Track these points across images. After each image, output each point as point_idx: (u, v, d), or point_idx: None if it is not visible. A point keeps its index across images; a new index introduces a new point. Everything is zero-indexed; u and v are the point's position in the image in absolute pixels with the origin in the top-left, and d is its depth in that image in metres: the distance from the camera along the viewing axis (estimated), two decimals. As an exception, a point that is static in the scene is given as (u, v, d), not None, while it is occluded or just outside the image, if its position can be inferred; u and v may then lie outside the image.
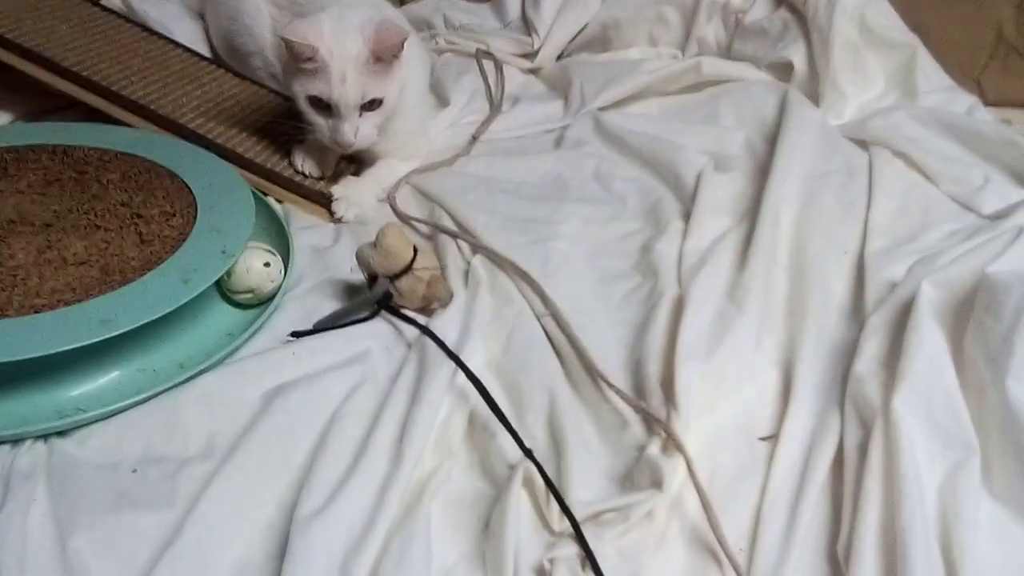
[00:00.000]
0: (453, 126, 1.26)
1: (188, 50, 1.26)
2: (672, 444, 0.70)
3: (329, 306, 0.91)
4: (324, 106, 1.00)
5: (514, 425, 0.75)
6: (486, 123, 1.25)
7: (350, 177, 1.11)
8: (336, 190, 1.07)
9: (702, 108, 1.30)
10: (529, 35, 1.46)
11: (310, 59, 0.97)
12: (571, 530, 0.64)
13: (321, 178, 1.10)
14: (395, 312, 0.87)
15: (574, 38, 1.48)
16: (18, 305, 0.75)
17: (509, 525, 0.64)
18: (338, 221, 1.05)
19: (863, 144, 1.18)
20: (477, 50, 1.42)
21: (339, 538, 0.65)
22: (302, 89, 1.00)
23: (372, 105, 1.01)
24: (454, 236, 1.00)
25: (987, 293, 0.75)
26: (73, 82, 1.06)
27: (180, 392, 0.77)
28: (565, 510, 0.65)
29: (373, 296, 0.87)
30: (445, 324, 0.85)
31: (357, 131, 1.01)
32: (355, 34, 0.98)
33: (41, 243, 0.83)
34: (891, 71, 1.33)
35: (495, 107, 1.29)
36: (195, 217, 0.90)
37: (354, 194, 1.07)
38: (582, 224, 1.04)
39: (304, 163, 1.10)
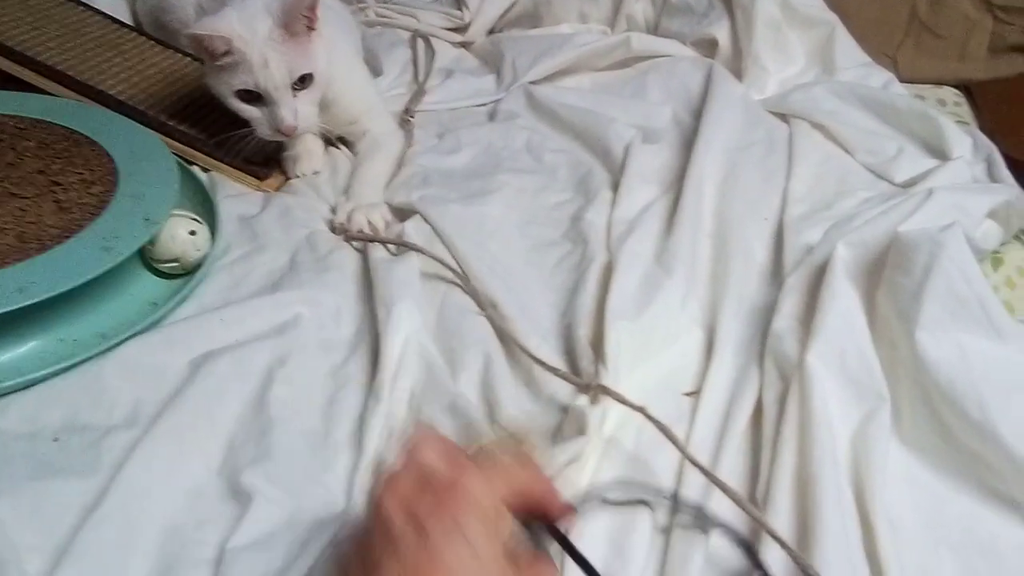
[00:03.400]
0: (386, 96, 1.25)
1: (108, 17, 1.23)
2: (598, 394, 0.72)
3: (258, 275, 0.90)
4: (255, 97, 0.98)
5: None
6: (414, 100, 1.25)
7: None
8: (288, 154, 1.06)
9: (631, 83, 1.32)
10: (460, 9, 1.46)
11: (226, 52, 0.95)
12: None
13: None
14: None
15: (505, 13, 1.48)
16: (-69, 273, 0.73)
17: None
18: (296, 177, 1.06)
19: (784, 117, 1.21)
20: (413, 33, 1.41)
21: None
22: (227, 86, 0.97)
23: (304, 82, 0.99)
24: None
25: (898, 251, 0.78)
26: (-12, 48, 1.03)
27: (103, 361, 0.76)
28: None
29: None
30: (379, 287, 0.85)
31: (296, 113, 0.99)
32: (263, 14, 0.95)
33: (-45, 211, 0.81)
34: (811, 48, 1.36)
35: (420, 88, 1.28)
36: (116, 185, 0.88)
37: (306, 152, 1.07)
38: (514, 194, 1.04)
39: (297, 165, 1.07)
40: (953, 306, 0.72)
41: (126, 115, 1.02)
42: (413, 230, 0.95)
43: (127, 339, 0.78)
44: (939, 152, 1.11)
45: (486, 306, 0.85)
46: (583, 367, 0.78)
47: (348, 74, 1.12)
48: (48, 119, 0.95)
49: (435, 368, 0.79)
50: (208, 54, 0.96)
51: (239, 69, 0.96)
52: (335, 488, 0.69)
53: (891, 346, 0.74)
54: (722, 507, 0.64)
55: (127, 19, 1.29)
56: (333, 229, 0.98)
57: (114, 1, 1.30)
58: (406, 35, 1.42)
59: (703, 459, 0.68)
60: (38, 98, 1.02)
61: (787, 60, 1.36)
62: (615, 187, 1.05)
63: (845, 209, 0.99)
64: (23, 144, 0.91)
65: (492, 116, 1.24)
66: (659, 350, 0.80)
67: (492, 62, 1.37)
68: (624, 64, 1.37)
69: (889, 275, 0.77)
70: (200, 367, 0.76)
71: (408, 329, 0.81)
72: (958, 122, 1.26)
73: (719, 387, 0.75)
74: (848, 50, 1.36)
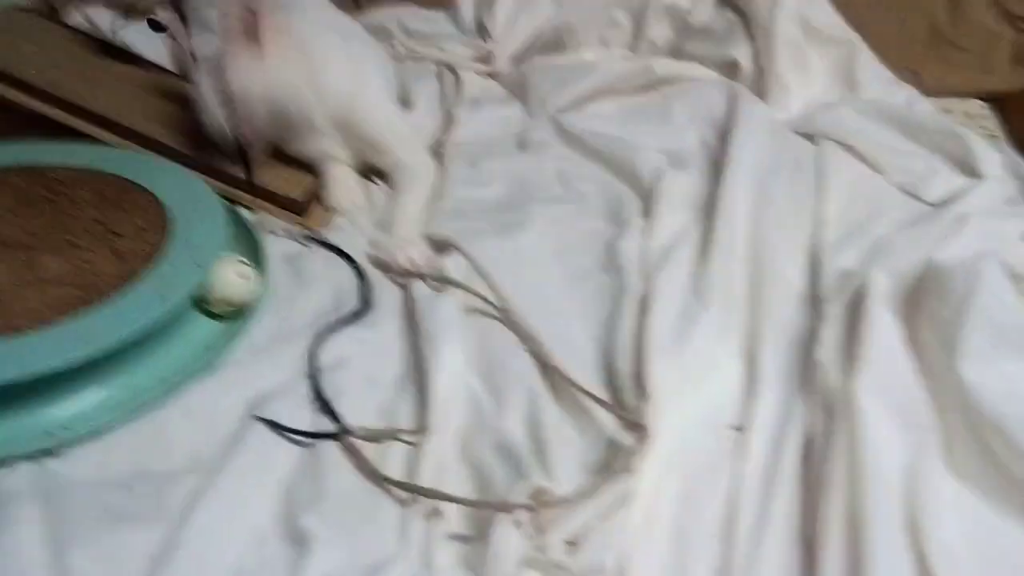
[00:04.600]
0: (417, 129, 1.27)
1: (152, 64, 1.26)
2: (644, 432, 0.74)
3: (304, 314, 0.92)
4: None
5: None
6: (445, 131, 1.27)
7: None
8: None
9: (656, 107, 1.33)
10: (484, 40, 1.48)
11: None
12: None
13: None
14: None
15: (529, 41, 1.50)
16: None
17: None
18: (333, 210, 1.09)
19: (810, 138, 1.22)
20: (438, 63, 1.44)
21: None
22: None
23: None
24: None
25: (935, 281, 0.80)
26: (40, 99, 1.06)
27: (163, 407, 0.79)
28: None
29: None
30: (423, 325, 0.87)
31: None
32: None
33: (19, 264, 0.83)
34: (833, 66, 1.38)
35: (452, 120, 1.30)
36: (168, 230, 0.91)
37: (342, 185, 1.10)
38: (548, 224, 1.06)
39: (336, 200, 1.11)
40: (994, 335, 0.73)
41: (173, 159, 1.05)
42: (452, 265, 0.97)
43: (185, 383, 0.80)
44: (969, 169, 1.12)
45: (528, 341, 0.87)
46: (626, 400, 0.80)
47: (375, 105, 1.14)
48: (101, 168, 0.98)
49: (481, 405, 0.81)
50: None
51: None
52: (389, 528, 0.71)
53: (935, 376, 0.76)
54: (775, 553, 0.65)
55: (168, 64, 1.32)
56: (375, 264, 1.00)
57: (157, 49, 1.32)
58: (433, 67, 1.44)
59: (754, 497, 0.69)
60: (90, 147, 1.05)
61: (809, 79, 1.37)
62: (647, 214, 1.07)
63: (879, 231, 1.00)
64: (80, 194, 0.94)
65: (522, 145, 1.26)
66: (700, 384, 0.81)
67: (518, 91, 1.39)
68: (648, 87, 1.39)
69: (928, 304, 0.79)
70: (255, 409, 0.78)
71: (453, 367, 0.83)
72: (987, 135, 1.27)
73: (765, 421, 0.77)
74: (870, 67, 1.37)
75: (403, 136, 1.18)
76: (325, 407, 0.79)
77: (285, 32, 1.03)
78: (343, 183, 1.12)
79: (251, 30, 1.01)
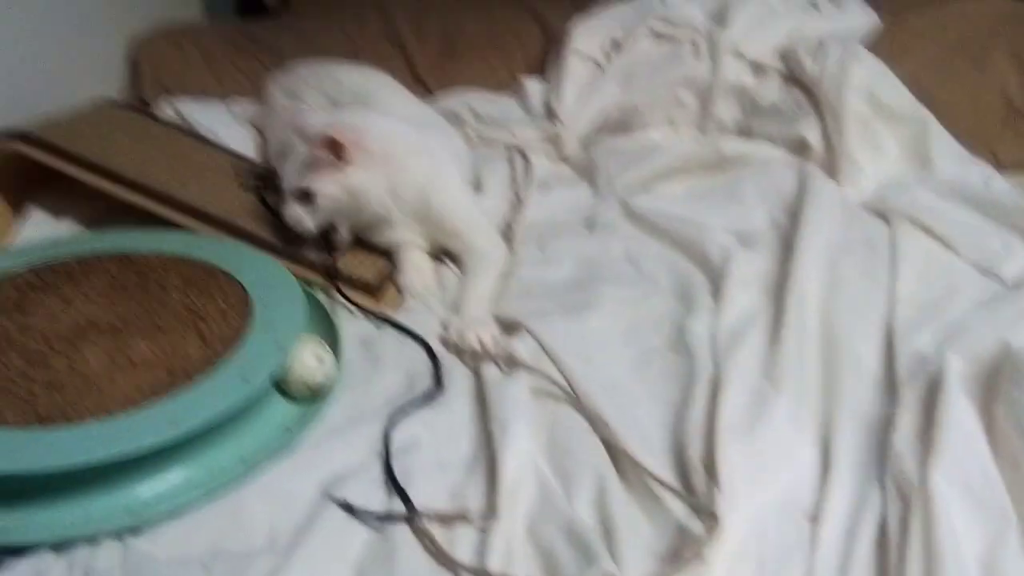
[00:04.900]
0: (488, 211, 1.31)
1: (236, 155, 1.33)
2: (715, 521, 0.73)
3: (378, 396, 0.94)
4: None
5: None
6: (515, 213, 1.30)
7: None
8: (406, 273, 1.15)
9: (724, 187, 1.34)
10: (552, 123, 1.52)
11: None
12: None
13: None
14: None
15: (596, 123, 1.53)
16: (93, 409, 0.80)
17: None
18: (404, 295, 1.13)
19: (882, 216, 1.21)
20: (508, 146, 1.49)
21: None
22: None
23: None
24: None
25: (1011, 365, 0.78)
26: (131, 188, 1.13)
27: (242, 487, 0.81)
28: None
29: None
30: (493, 408, 0.88)
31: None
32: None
33: (110, 347, 0.88)
34: (904, 143, 1.37)
35: (521, 202, 1.34)
36: (249, 314, 0.95)
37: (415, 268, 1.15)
38: (617, 305, 1.07)
39: (410, 283, 1.15)
40: (1073, 423, 0.71)
41: (255, 245, 1.10)
42: (521, 346, 0.98)
43: (263, 464, 0.83)
44: (1048, 247, 1.10)
45: (597, 424, 0.87)
46: (696, 486, 0.79)
47: (448, 193, 1.19)
48: (188, 254, 1.04)
49: (550, 490, 0.81)
50: None
51: None
52: (460, 612, 0.72)
53: (1014, 464, 0.74)
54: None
55: (252, 154, 1.38)
56: (446, 345, 1.02)
57: (242, 139, 1.39)
58: (503, 150, 1.48)
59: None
60: (177, 235, 1.11)
61: (880, 155, 1.36)
62: (716, 295, 1.07)
63: (954, 310, 0.99)
64: (168, 280, 0.99)
65: (590, 226, 1.28)
66: (773, 470, 0.80)
67: (587, 173, 1.42)
68: (716, 167, 1.40)
69: (1006, 391, 0.77)
70: (330, 490, 0.80)
71: (522, 450, 0.84)
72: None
73: (839, 509, 0.75)
74: (944, 144, 1.36)
75: (475, 221, 1.22)
76: (397, 489, 0.80)
77: (365, 147, 1.10)
78: (416, 266, 1.16)
79: (334, 153, 1.08)
